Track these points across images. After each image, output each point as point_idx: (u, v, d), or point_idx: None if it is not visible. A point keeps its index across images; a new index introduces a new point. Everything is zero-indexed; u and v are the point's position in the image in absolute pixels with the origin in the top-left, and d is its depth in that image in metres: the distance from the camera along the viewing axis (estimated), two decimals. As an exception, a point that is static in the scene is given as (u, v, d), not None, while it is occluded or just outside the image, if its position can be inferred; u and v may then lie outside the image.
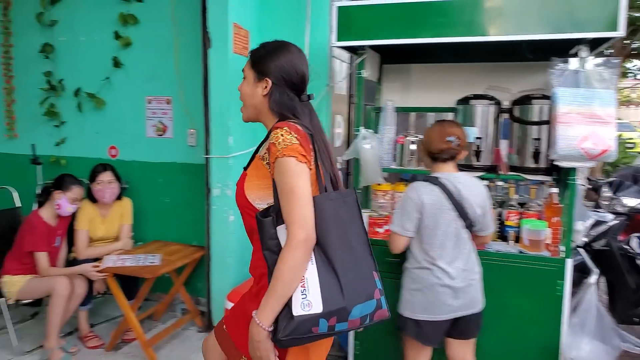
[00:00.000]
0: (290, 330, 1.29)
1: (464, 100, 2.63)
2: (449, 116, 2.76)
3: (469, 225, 2.06)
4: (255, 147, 1.54)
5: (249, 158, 1.53)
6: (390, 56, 2.90)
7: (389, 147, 2.75)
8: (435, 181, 2.06)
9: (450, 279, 2.02)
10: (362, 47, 2.53)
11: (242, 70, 1.55)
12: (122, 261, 2.95)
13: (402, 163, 2.75)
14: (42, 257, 2.93)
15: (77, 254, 3.13)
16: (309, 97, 1.51)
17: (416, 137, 2.72)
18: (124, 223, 3.35)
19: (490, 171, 2.54)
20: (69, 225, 3.17)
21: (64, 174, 3.07)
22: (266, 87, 1.47)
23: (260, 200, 1.44)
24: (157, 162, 3.66)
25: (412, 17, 2.34)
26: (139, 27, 3.56)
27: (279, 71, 1.46)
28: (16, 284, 2.93)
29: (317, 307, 1.30)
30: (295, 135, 1.36)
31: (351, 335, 2.70)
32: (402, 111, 2.99)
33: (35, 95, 3.90)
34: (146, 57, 3.59)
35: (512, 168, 2.55)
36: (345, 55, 3.43)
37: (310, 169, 1.38)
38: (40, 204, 3.07)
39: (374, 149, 2.52)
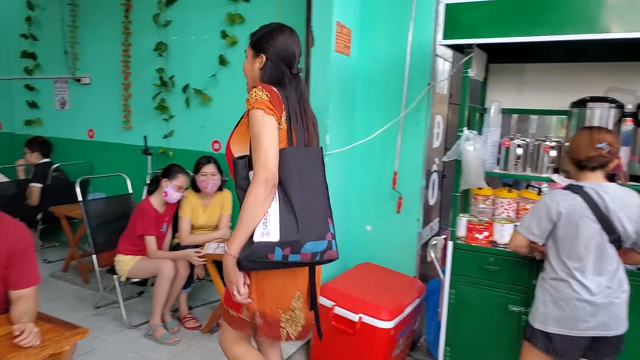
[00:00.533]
0: (249, 253, 1.56)
1: (580, 103, 2.44)
2: (557, 120, 2.59)
3: (616, 240, 1.90)
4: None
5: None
6: (498, 55, 2.77)
7: (493, 149, 2.63)
8: (577, 190, 1.93)
9: (589, 294, 1.89)
10: (470, 46, 2.44)
11: (245, 51, 1.84)
12: (221, 249, 3.10)
13: (506, 167, 2.61)
14: (150, 241, 3.16)
15: (180, 240, 3.34)
16: (299, 70, 1.78)
17: (524, 140, 2.58)
18: (223, 213, 3.52)
19: (608, 180, 2.34)
20: (174, 213, 3.39)
21: (172, 164, 3.29)
22: (261, 62, 1.74)
23: (241, 152, 1.71)
24: (255, 157, 3.80)
25: (527, 13, 2.21)
26: (245, 26, 3.70)
27: (272, 49, 1.73)
28: (127, 264, 3.19)
29: (274, 237, 1.56)
30: (266, 93, 1.62)
31: (442, 340, 2.63)
32: (510, 113, 2.85)
33: (148, 91, 4.22)
34: (250, 55, 3.73)
35: (633, 178, 2.33)
36: (449, 53, 3.34)
37: (280, 124, 1.63)
38: (150, 192, 3.32)
39: (477, 151, 2.42)
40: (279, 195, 1.61)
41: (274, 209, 1.60)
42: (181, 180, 3.21)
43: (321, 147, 1.85)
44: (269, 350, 2.00)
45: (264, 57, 1.73)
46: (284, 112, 1.65)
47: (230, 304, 1.78)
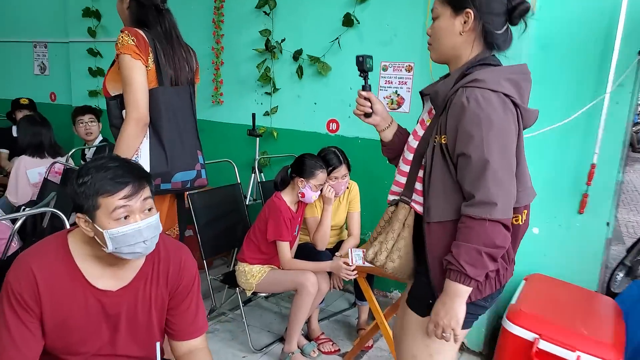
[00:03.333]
0: None
1: None
2: None
3: None
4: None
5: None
6: None
7: None
8: None
9: None
10: None
11: None
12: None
13: None
14: (285, 248, 2.53)
15: (315, 243, 2.70)
16: (163, 6, 1.89)
17: None
18: (352, 211, 2.87)
19: None
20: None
21: (304, 157, 2.57)
22: (127, 2, 1.88)
23: (114, 90, 1.85)
24: (386, 141, 3.12)
25: None
26: (382, -23, 2.97)
27: None
28: (256, 275, 2.56)
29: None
30: (133, 38, 1.74)
31: None
32: None
33: (245, 58, 3.52)
34: (386, 13, 3.00)
35: None
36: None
37: (147, 66, 1.78)
38: (275, 185, 2.65)
39: None
40: (149, 132, 1.81)
41: (145, 145, 1.80)
42: (320, 178, 2.53)
43: (192, 84, 2.00)
44: None
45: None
46: (150, 54, 1.79)
47: None
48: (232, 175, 3.18)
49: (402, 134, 1.57)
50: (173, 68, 1.89)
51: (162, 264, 1.43)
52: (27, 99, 4.27)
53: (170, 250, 1.45)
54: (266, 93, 3.48)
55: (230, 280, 2.73)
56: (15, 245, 2.34)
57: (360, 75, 1.53)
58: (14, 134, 4.30)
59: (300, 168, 2.54)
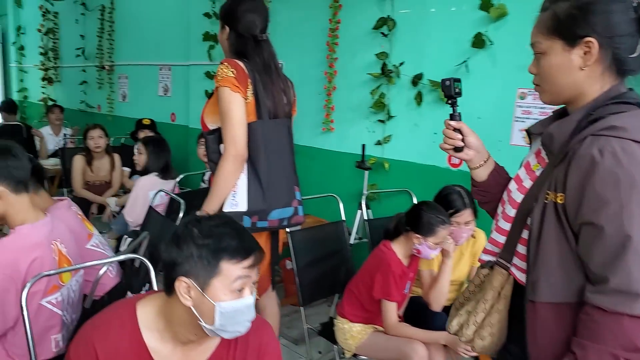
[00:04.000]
0: None
1: None
2: None
3: None
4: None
5: None
6: None
7: None
8: None
9: None
10: None
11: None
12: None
13: None
14: (392, 309, 2.15)
15: (429, 302, 2.29)
16: (262, 37, 1.80)
17: None
18: (477, 265, 2.40)
19: None
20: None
21: (422, 209, 2.10)
22: (226, 33, 1.83)
23: (213, 123, 1.82)
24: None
25: None
26: (521, -9, 2.51)
27: (234, 20, 1.79)
28: (356, 336, 2.22)
29: (242, 207, 1.73)
30: (233, 70, 1.70)
31: None
32: None
33: (359, 82, 3.24)
34: (525, 33, 2.51)
35: None
36: None
37: (246, 98, 1.72)
38: (387, 233, 2.29)
39: None
40: (247, 167, 1.74)
41: (242, 181, 1.74)
42: (441, 235, 2.11)
43: (290, 117, 1.91)
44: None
45: (227, 28, 1.81)
46: (249, 86, 1.73)
47: None
48: (337, 210, 2.89)
49: (499, 175, 1.30)
50: (272, 100, 1.82)
51: (239, 347, 1.19)
52: (149, 119, 4.44)
53: (250, 330, 1.18)
54: (379, 121, 3.16)
55: (329, 333, 2.42)
56: (113, 275, 2.26)
57: (447, 102, 1.28)
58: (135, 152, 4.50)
59: (417, 222, 2.12)
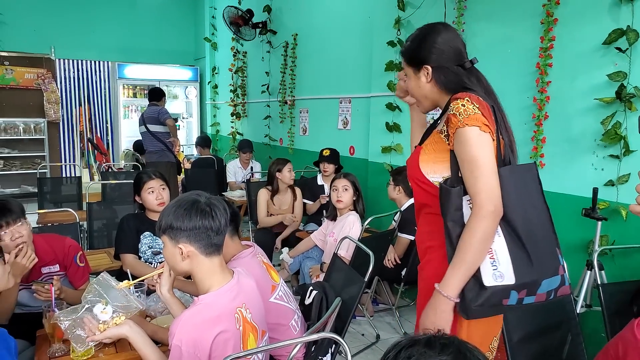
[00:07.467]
0: (482, 300, 1.31)
1: None
2: None
3: None
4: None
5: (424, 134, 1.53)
6: None
7: None
8: None
9: None
10: None
11: (399, 74, 1.61)
12: None
13: None
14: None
15: None
16: (472, 62, 1.46)
17: None
18: None
19: None
20: None
21: None
22: (427, 73, 1.47)
23: (435, 174, 1.45)
24: None
25: None
26: None
27: (434, 54, 1.45)
28: None
29: (509, 279, 1.31)
30: (477, 105, 1.36)
31: None
32: None
33: (581, 109, 2.65)
34: None
35: None
36: None
37: (494, 139, 1.36)
38: (637, 310, 1.70)
39: None
40: (501, 228, 1.35)
41: (501, 245, 1.34)
42: None
43: (534, 162, 1.64)
44: None
45: (428, 67, 1.46)
46: (494, 124, 1.38)
47: None
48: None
49: None
50: (508, 137, 1.46)
51: None
52: (328, 149, 4.39)
53: None
54: (611, 156, 2.52)
55: None
56: (297, 330, 2.10)
57: None
58: (319, 182, 4.48)
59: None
